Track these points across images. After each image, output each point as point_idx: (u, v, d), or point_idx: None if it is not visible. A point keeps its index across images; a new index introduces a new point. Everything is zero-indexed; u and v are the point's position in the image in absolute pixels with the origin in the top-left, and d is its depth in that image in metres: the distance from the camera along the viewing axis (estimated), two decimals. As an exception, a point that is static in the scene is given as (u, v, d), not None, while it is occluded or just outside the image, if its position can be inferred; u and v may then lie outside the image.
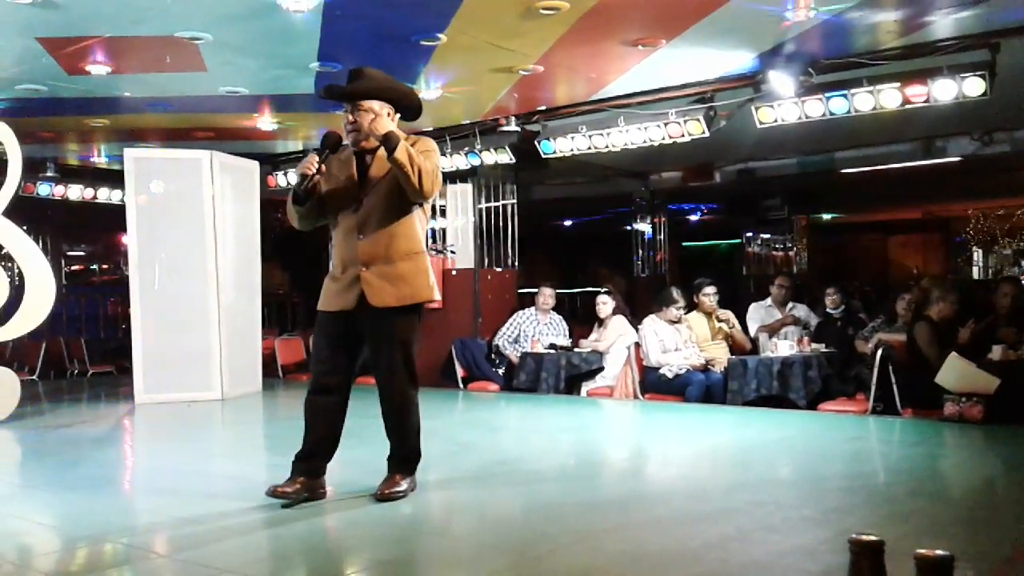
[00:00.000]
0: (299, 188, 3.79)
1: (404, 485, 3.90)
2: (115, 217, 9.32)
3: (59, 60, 6.25)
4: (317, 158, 3.79)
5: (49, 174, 10.14)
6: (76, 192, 10.44)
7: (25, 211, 7.12)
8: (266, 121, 8.38)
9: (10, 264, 7.98)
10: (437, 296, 4.01)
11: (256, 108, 7.98)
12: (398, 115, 3.95)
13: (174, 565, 3.22)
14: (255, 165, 8.64)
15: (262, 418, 7.55)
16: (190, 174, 7.89)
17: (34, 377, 9.91)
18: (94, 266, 14.14)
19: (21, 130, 7.00)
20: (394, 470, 3.95)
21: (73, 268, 13.67)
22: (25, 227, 7.00)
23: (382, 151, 3.79)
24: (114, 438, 6.56)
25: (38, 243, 7.16)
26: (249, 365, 8.43)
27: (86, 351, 10.73)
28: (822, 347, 7.23)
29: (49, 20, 5.43)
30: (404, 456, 3.98)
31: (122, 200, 9.28)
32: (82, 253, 13.99)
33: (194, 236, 7.85)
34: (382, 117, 3.82)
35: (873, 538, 1.72)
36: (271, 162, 10.17)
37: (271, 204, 11.59)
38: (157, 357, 7.79)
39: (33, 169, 9.65)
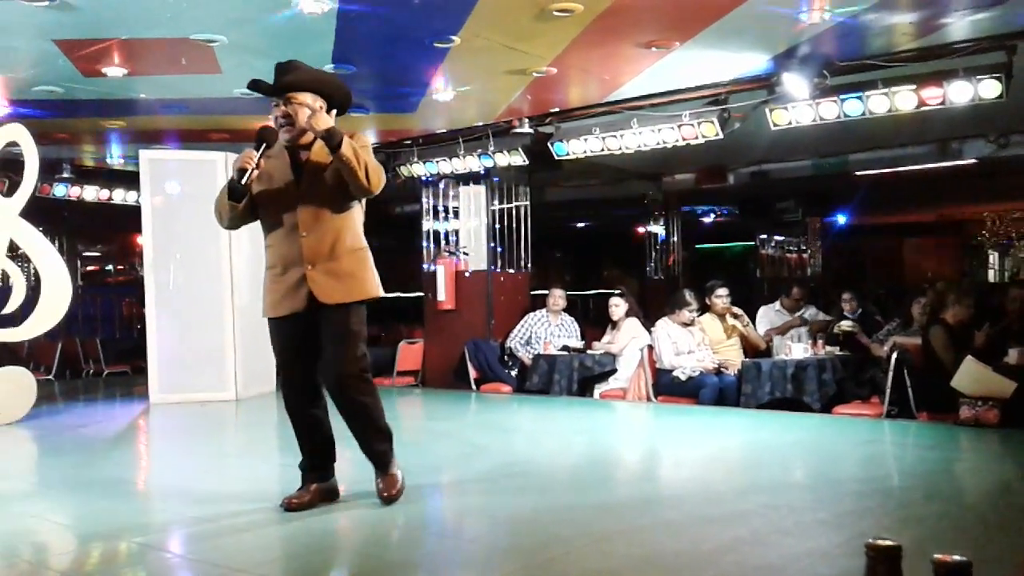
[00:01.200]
0: (238, 184, 3.62)
1: (399, 479, 3.86)
2: (130, 218, 9.37)
3: (75, 62, 6.29)
4: (256, 153, 3.64)
5: (65, 175, 10.20)
6: (92, 193, 10.51)
7: (41, 212, 7.20)
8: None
9: (26, 264, 8.04)
10: (381, 292, 3.83)
11: (270, 109, 7.99)
12: (334, 110, 3.82)
13: (188, 564, 3.24)
14: (269, 166, 8.66)
15: (276, 419, 7.55)
16: (205, 175, 7.92)
17: (50, 377, 9.99)
18: (109, 266, 14.23)
19: (37, 131, 7.04)
20: (384, 466, 3.86)
21: (89, 268, 13.77)
22: (41, 228, 7.06)
23: (318, 145, 3.69)
24: (129, 438, 6.60)
25: (54, 244, 7.24)
26: (263, 366, 8.43)
27: (101, 351, 10.81)
28: (836, 350, 7.21)
29: (65, 22, 5.46)
30: (383, 449, 3.86)
31: (137, 201, 9.32)
32: (97, 254, 14.09)
33: (209, 237, 7.87)
34: (320, 112, 3.68)
35: (890, 543, 1.71)
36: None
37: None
38: (172, 357, 7.84)
39: (49, 170, 9.71)
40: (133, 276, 13.13)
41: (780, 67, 6.60)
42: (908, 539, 2.88)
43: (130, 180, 9.98)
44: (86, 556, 3.36)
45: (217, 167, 7.91)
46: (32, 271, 8.24)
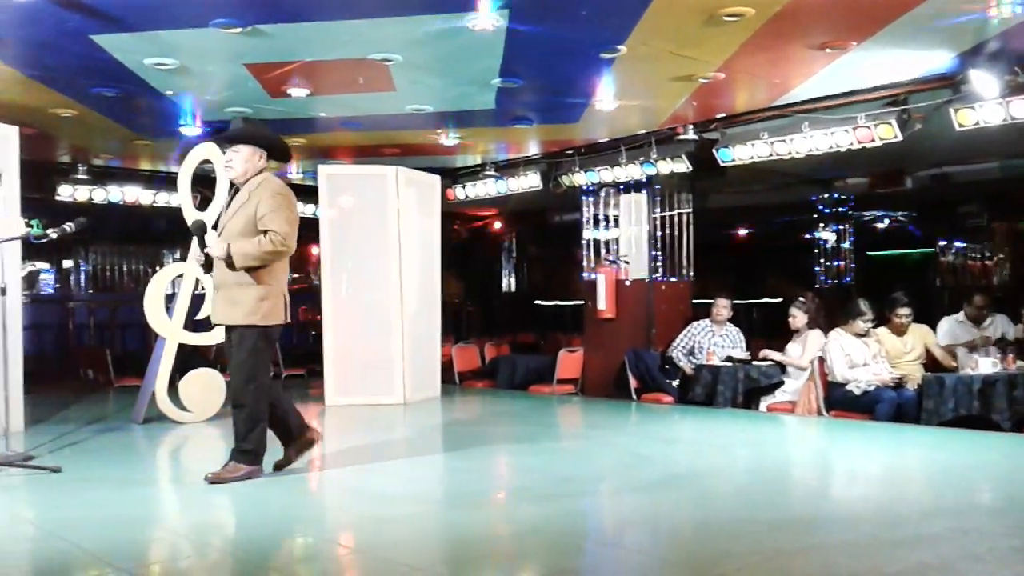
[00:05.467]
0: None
1: (238, 473, 4.67)
2: (306, 229, 9.83)
3: (263, 84, 6.72)
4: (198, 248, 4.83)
5: (251, 190, 10.88)
6: (274, 206, 11.14)
7: (230, 225, 7.66)
8: (448, 136, 8.67)
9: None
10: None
11: (439, 124, 8.27)
12: (264, 155, 4.86)
13: (360, 560, 3.38)
14: (436, 179, 8.93)
15: (440, 422, 7.78)
16: (377, 188, 8.26)
17: (235, 378, 10.61)
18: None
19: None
20: (232, 457, 4.77)
21: (269, 277, 14.58)
22: (229, 239, 7.51)
23: (248, 185, 4.84)
24: (307, 437, 6.93)
25: (239, 253, 7.66)
26: (429, 371, 8.73)
27: (280, 355, 11.41)
28: (1029, 365, 6.70)
29: (257, 47, 5.85)
30: (238, 448, 4.76)
31: (315, 214, 9.82)
32: (277, 263, 14.92)
33: (380, 248, 8.22)
34: (217, 243, 4.77)
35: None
36: (451, 176, 10.51)
37: (450, 216, 11.95)
38: (345, 362, 8.21)
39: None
40: (308, 284, 13.81)
41: (966, 64, 6.23)
42: (1121, 574, 2.65)
43: (308, 193, 10.51)
44: (268, 548, 3.58)
45: (388, 181, 8.21)
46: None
